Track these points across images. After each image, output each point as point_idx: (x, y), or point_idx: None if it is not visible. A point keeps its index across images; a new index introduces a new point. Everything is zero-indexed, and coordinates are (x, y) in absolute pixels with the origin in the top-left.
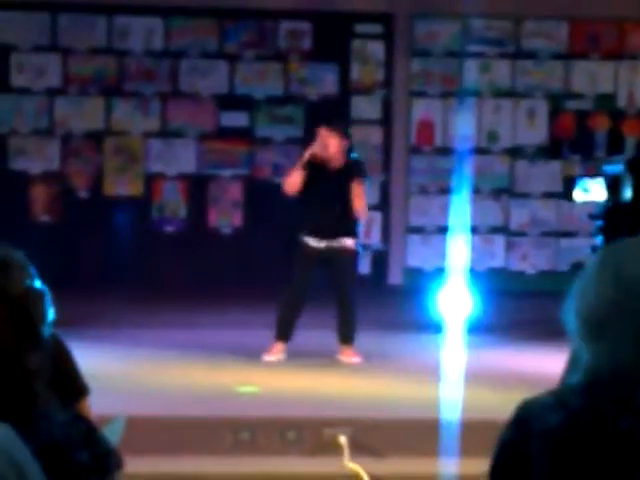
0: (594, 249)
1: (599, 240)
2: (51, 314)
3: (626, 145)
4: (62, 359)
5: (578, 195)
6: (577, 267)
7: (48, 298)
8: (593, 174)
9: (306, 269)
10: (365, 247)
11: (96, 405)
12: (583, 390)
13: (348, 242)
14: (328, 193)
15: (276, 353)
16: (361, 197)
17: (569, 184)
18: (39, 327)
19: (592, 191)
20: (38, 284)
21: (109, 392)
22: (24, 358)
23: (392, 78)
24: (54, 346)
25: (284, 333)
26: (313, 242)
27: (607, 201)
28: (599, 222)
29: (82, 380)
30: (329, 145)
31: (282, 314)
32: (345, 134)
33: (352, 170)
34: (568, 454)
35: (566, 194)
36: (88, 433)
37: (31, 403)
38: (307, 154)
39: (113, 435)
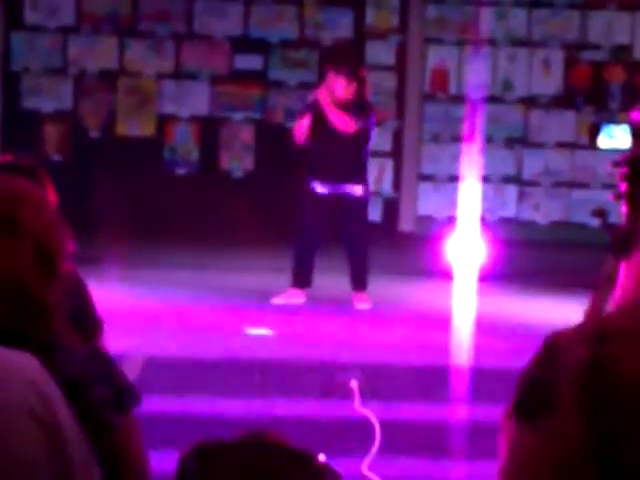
0: (617, 197)
1: (623, 187)
2: (71, 248)
3: None
4: (79, 295)
5: (603, 142)
6: (598, 215)
7: (68, 232)
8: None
9: (314, 214)
10: (377, 193)
11: (109, 345)
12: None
13: (357, 188)
14: (335, 137)
15: (287, 297)
16: (341, 117)
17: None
18: (59, 261)
19: (617, 138)
20: (59, 218)
21: (121, 332)
22: (44, 292)
23: (407, 24)
24: (72, 281)
25: (301, 280)
26: (320, 187)
27: (631, 148)
28: (623, 169)
29: (98, 317)
30: (335, 88)
31: (297, 262)
32: (355, 76)
33: (355, 111)
34: (596, 387)
35: (591, 141)
36: (107, 368)
37: (50, 337)
38: (311, 101)
39: (130, 373)
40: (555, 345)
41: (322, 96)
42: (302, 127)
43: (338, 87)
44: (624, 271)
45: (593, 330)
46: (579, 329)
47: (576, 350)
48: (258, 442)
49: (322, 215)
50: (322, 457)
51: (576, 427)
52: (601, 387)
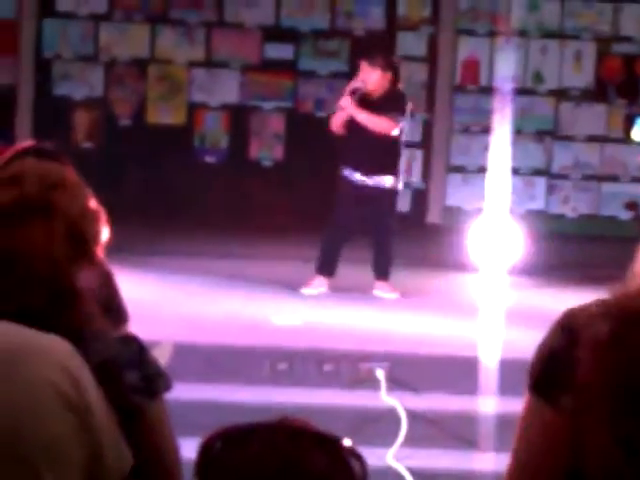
0: None
1: None
2: (105, 235)
3: None
4: (107, 283)
5: (636, 134)
6: (630, 207)
7: (103, 219)
8: None
9: (349, 205)
10: (406, 184)
11: (137, 332)
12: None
13: (389, 179)
14: (369, 129)
15: (316, 287)
16: (379, 123)
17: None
18: (93, 247)
19: None
20: (94, 204)
21: (151, 319)
22: (77, 277)
23: (439, 15)
24: (103, 270)
25: (325, 268)
26: (355, 177)
27: None
28: None
29: (125, 306)
30: (368, 80)
31: (325, 249)
32: (388, 67)
33: (391, 105)
34: (617, 364)
35: (626, 134)
36: (139, 353)
37: (82, 322)
38: (349, 90)
39: (159, 359)
40: (574, 322)
41: (350, 107)
42: (340, 122)
43: (373, 79)
44: None
45: (614, 308)
46: (599, 307)
47: (597, 327)
48: (282, 426)
49: (356, 205)
50: (347, 441)
51: (595, 404)
52: (622, 364)
